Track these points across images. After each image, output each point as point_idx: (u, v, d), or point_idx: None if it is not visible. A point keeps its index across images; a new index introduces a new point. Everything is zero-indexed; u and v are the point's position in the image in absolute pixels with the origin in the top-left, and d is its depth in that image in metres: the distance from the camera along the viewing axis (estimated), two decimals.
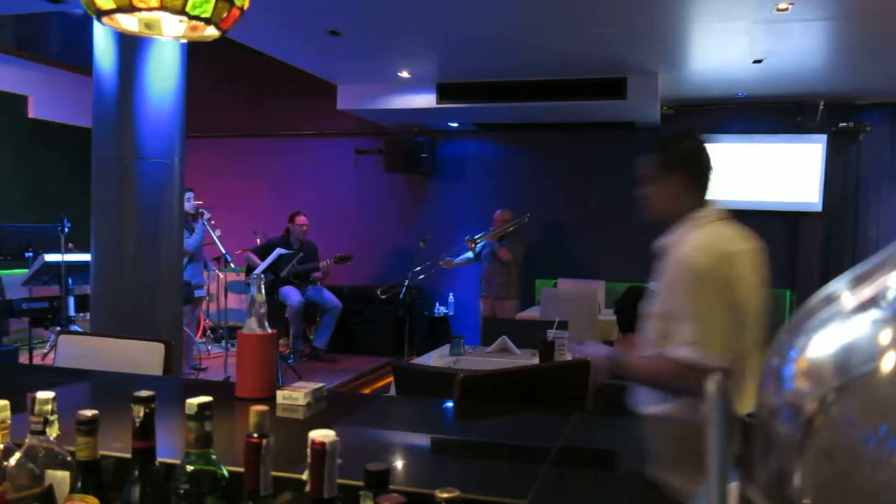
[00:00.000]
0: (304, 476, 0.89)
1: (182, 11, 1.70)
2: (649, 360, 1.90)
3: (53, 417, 1.03)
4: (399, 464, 1.32)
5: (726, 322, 1.80)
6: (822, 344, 0.48)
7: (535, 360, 3.63)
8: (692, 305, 1.80)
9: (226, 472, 1.01)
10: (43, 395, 1.02)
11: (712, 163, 2.01)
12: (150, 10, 1.69)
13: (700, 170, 1.99)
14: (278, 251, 6.27)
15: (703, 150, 2.02)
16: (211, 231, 6.35)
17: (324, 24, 5.20)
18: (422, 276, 7.19)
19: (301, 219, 6.88)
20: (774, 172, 7.47)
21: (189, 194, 6.14)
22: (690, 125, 2.04)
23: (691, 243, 1.87)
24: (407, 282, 6.93)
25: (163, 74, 4.23)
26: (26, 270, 5.87)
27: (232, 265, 6.80)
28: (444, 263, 7.07)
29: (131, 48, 4.12)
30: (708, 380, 0.52)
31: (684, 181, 1.97)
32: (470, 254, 6.90)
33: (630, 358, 1.95)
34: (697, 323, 1.79)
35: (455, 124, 8.14)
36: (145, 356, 2.21)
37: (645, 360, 1.91)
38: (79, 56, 7.31)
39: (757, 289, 1.91)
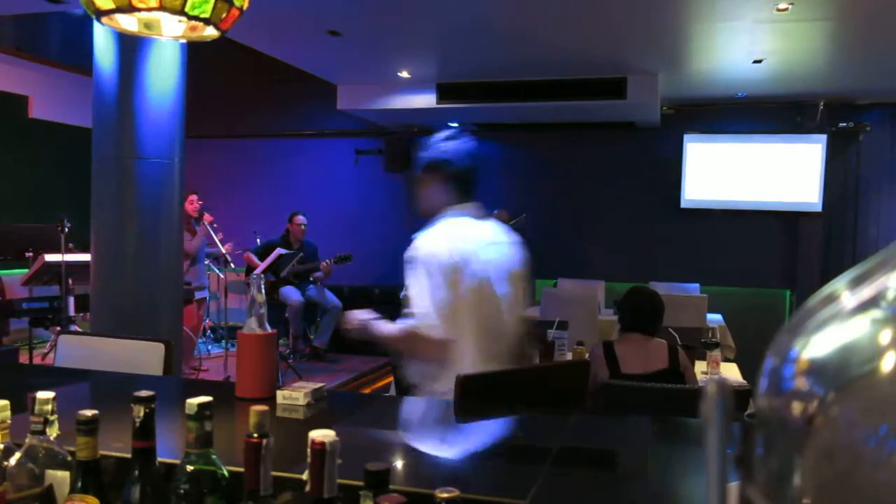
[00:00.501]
0: (304, 476, 0.89)
1: (181, 12, 1.70)
2: (392, 328, 2.10)
3: (53, 417, 1.03)
4: (399, 464, 1.32)
5: (451, 301, 2.01)
6: (822, 344, 0.48)
7: (535, 360, 3.63)
8: (420, 284, 2.03)
9: (226, 472, 1.01)
10: (43, 395, 1.02)
11: (472, 163, 2.17)
12: (149, 10, 1.69)
13: (453, 172, 2.14)
14: (278, 251, 6.27)
15: (459, 152, 2.16)
16: (213, 233, 6.35)
17: (324, 24, 5.20)
18: None
19: (300, 219, 6.87)
20: (774, 172, 7.47)
21: (193, 196, 6.14)
22: (468, 138, 2.22)
23: (428, 232, 2.10)
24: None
25: (163, 74, 4.23)
26: (26, 270, 5.87)
27: (232, 265, 6.80)
28: None
29: (131, 48, 4.12)
30: (709, 382, 0.52)
31: (439, 182, 2.16)
32: None
33: (378, 325, 2.13)
34: (424, 299, 2.01)
35: (455, 124, 8.13)
36: (145, 356, 2.21)
37: (389, 328, 2.11)
38: (79, 56, 7.31)
39: (490, 277, 2.09)
